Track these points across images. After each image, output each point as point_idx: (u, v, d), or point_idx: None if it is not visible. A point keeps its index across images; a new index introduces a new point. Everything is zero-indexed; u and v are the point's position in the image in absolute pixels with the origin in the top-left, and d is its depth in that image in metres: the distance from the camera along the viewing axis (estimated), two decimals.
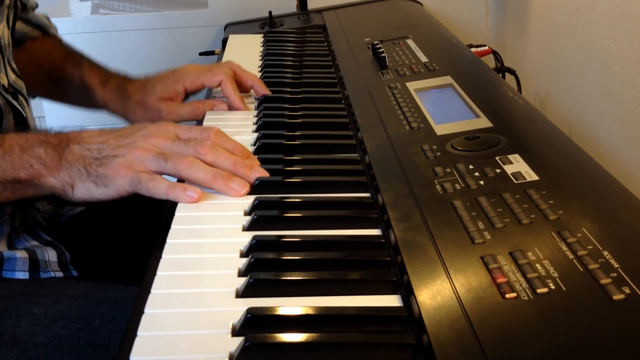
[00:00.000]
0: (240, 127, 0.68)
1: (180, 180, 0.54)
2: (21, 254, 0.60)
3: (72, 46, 0.81)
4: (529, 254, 0.41)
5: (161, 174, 0.53)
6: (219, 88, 0.73)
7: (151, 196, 0.52)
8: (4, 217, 0.62)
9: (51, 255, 0.62)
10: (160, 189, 0.51)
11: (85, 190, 0.53)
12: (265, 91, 0.74)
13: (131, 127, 0.56)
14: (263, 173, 0.54)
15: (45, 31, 0.79)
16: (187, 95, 0.75)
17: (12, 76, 0.66)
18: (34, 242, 0.63)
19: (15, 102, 0.64)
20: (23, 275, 0.59)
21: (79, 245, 0.67)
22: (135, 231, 0.73)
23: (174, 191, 0.52)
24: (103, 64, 0.79)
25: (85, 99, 0.77)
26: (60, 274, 0.61)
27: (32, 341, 0.54)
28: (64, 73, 0.77)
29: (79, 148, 0.53)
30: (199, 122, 0.71)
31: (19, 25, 0.77)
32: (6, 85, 0.64)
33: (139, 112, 0.74)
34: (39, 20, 0.80)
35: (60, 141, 0.54)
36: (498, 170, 0.51)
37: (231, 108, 0.72)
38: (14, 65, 0.66)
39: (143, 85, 0.74)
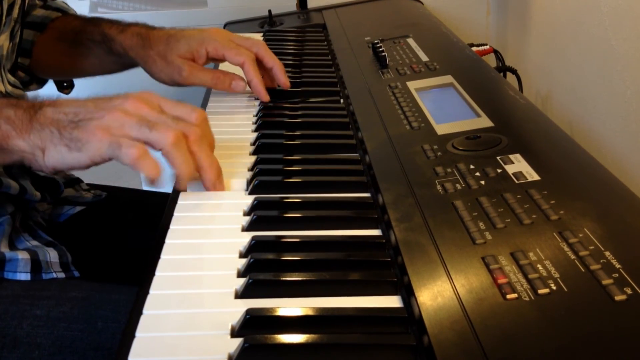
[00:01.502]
0: (239, 126, 0.68)
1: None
2: (23, 255, 0.59)
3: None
4: (530, 254, 0.40)
5: (139, 141, 0.47)
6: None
7: (130, 167, 0.47)
8: (4, 217, 0.62)
9: (52, 256, 0.62)
10: (144, 165, 0.46)
11: (56, 154, 0.48)
12: (284, 78, 0.73)
13: (112, 95, 0.52)
14: (222, 189, 0.52)
15: (65, 13, 0.79)
16: (209, 59, 0.72)
17: (8, 87, 0.65)
18: (35, 242, 0.63)
19: None
20: (25, 276, 0.59)
21: (79, 245, 0.67)
22: (135, 230, 0.73)
23: (158, 175, 0.47)
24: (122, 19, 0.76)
25: (109, 52, 0.73)
26: (62, 275, 0.61)
27: (35, 343, 0.54)
28: (84, 35, 0.74)
29: (53, 111, 0.49)
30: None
31: (40, 12, 0.76)
32: (4, 93, 0.64)
33: (160, 64, 0.70)
34: (58, 4, 0.79)
35: (33, 105, 0.50)
36: (499, 170, 0.51)
37: (252, 91, 0.71)
38: (10, 77, 0.65)
39: (167, 38, 0.71)
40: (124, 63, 0.75)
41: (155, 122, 0.48)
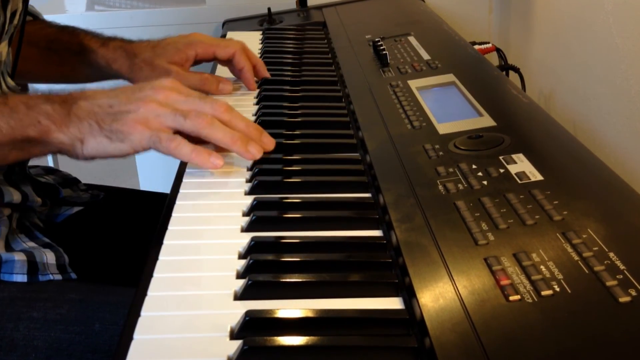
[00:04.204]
0: None
1: (199, 141, 0.53)
2: (19, 257, 0.59)
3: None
4: (533, 255, 0.40)
5: (178, 131, 0.52)
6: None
7: (170, 156, 0.51)
8: (1, 219, 0.61)
9: (49, 257, 0.61)
10: (183, 151, 0.51)
11: (96, 145, 0.51)
12: (266, 73, 0.76)
13: (138, 84, 0.55)
14: (272, 140, 0.56)
15: (35, 17, 0.79)
16: (196, 62, 0.74)
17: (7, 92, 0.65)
18: (31, 244, 0.63)
19: None
20: (21, 278, 0.59)
21: (76, 246, 0.67)
22: (133, 231, 0.73)
23: (199, 155, 0.51)
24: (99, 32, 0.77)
25: (85, 64, 0.75)
26: (59, 277, 0.61)
27: (31, 345, 0.54)
28: (60, 43, 0.76)
29: (87, 104, 0.52)
30: None
31: None
32: None
33: (146, 71, 0.72)
34: (30, 8, 0.79)
35: (66, 99, 0.53)
36: (502, 170, 0.50)
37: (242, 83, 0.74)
38: (10, 82, 0.65)
39: (152, 47, 0.73)
40: (101, 75, 0.77)
41: (189, 111, 0.52)
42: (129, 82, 0.75)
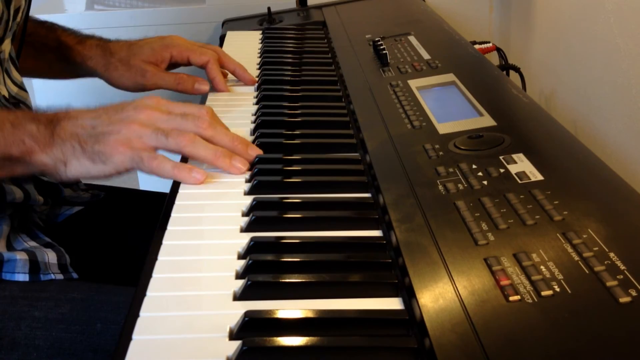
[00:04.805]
0: (238, 125, 0.67)
1: (183, 159, 0.54)
2: (21, 256, 0.59)
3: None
4: (534, 255, 0.40)
5: (159, 149, 0.52)
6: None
7: (153, 175, 0.51)
8: (3, 218, 0.61)
9: (51, 257, 0.61)
10: (165, 168, 0.51)
11: (79, 167, 0.51)
12: (248, 75, 0.76)
13: (120, 103, 0.55)
14: (259, 151, 0.55)
15: None
16: (170, 65, 0.75)
17: (13, 88, 0.65)
18: (33, 243, 0.63)
19: None
20: (23, 277, 0.59)
21: (77, 245, 0.67)
22: (133, 231, 0.73)
23: (180, 171, 0.51)
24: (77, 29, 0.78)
25: (62, 60, 0.75)
26: (60, 277, 0.61)
27: (33, 344, 0.54)
28: (36, 37, 0.76)
29: (71, 124, 0.52)
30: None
31: None
32: (7, 96, 0.64)
33: (121, 69, 0.73)
34: None
35: (51, 119, 0.53)
36: (502, 170, 0.50)
37: (213, 90, 0.74)
38: (16, 78, 0.65)
39: (128, 46, 0.74)
40: (76, 72, 0.77)
41: (170, 130, 0.52)
42: (104, 80, 0.75)
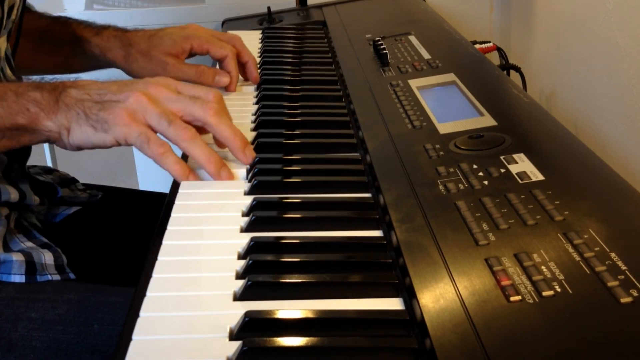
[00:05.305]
0: (237, 125, 0.67)
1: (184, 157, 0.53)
2: (17, 257, 0.59)
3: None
4: (535, 255, 0.40)
5: (157, 132, 0.51)
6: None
7: (151, 159, 0.51)
8: None
9: (47, 258, 0.61)
10: (167, 161, 0.50)
11: (81, 134, 0.51)
12: (255, 72, 0.76)
13: (131, 79, 0.55)
14: (254, 154, 0.56)
15: (27, 9, 0.79)
16: (191, 55, 0.74)
17: None
18: (30, 244, 0.62)
19: None
20: (19, 278, 0.58)
21: (74, 246, 0.66)
22: (132, 231, 0.73)
23: (180, 169, 0.51)
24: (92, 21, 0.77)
25: (79, 53, 0.75)
26: (57, 277, 0.61)
27: (30, 346, 0.54)
28: (53, 34, 0.75)
29: (77, 92, 0.52)
30: None
31: None
32: None
33: (141, 61, 0.72)
34: None
35: (56, 87, 0.53)
36: (502, 170, 0.50)
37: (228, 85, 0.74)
38: (9, 76, 0.65)
39: (148, 37, 0.73)
40: (94, 64, 0.77)
41: (174, 119, 0.51)
42: (124, 71, 0.75)
